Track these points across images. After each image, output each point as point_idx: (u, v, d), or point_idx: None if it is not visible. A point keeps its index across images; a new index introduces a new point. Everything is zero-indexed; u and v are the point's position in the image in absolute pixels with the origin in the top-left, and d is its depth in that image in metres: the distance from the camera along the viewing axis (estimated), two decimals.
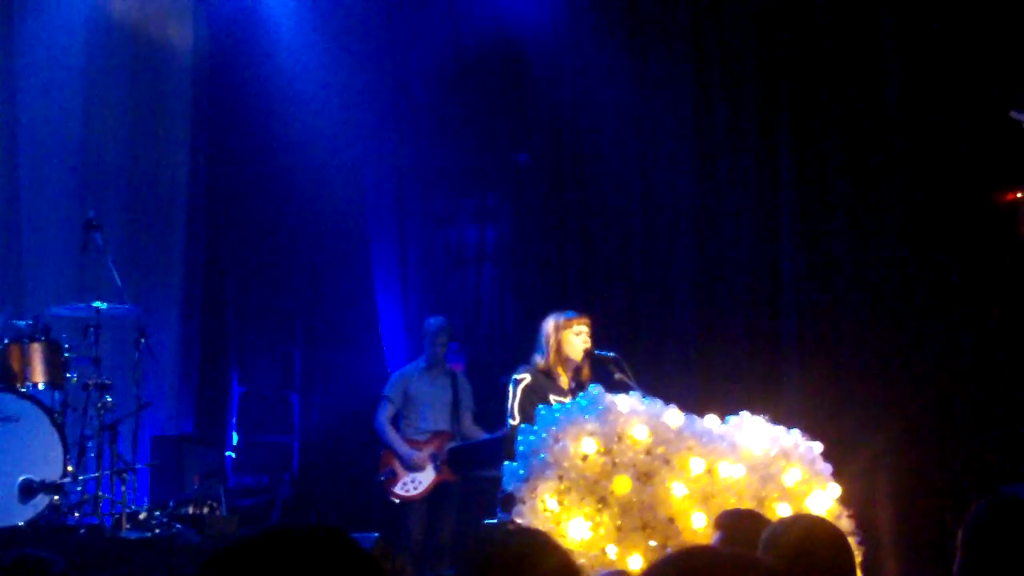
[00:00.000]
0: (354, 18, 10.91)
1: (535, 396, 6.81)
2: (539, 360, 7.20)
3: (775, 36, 9.27)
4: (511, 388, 7.01)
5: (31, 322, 8.18)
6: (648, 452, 6.01)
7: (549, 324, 7.28)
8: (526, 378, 6.99)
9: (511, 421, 6.88)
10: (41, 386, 7.96)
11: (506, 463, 6.22)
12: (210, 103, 11.23)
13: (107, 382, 8.34)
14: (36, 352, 8.00)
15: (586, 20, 10.18)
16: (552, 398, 6.80)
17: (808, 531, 3.54)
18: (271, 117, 11.00)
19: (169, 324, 10.71)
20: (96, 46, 10.54)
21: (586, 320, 7.28)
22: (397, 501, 8.89)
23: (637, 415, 6.10)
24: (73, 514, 7.89)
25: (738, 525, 4.38)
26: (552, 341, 7.20)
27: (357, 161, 10.97)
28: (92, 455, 8.25)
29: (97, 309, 8.38)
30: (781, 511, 6.05)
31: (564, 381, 7.20)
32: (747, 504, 5.88)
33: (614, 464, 5.94)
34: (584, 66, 10.19)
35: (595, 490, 5.88)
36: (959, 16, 8.57)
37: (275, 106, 11.00)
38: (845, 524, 6.13)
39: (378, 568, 1.89)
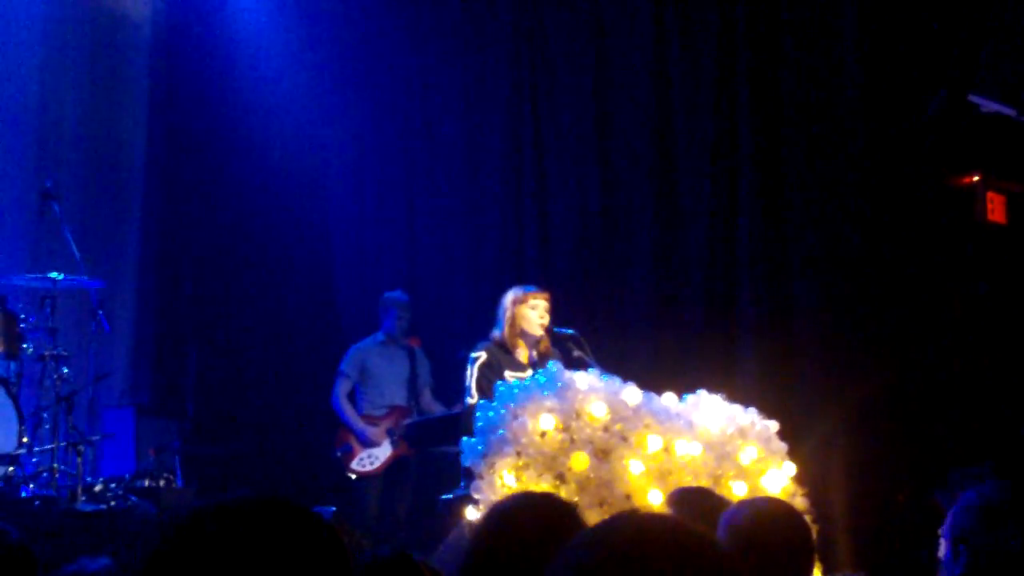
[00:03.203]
0: None
1: (491, 373, 6.89)
2: (496, 334, 7.25)
3: (734, 12, 9.28)
4: (468, 366, 7.07)
5: None
6: (606, 429, 6.03)
7: (507, 298, 7.35)
8: (482, 355, 7.08)
9: (469, 399, 6.94)
10: None
11: (464, 439, 6.22)
12: (168, 75, 11.15)
13: (63, 353, 8.30)
14: None
15: None
16: (508, 374, 6.86)
17: (764, 512, 3.55)
18: (230, 89, 10.96)
19: (125, 295, 10.64)
20: (53, 17, 10.43)
21: (544, 295, 7.33)
22: (354, 476, 8.88)
23: (595, 392, 6.12)
24: (28, 486, 7.84)
25: (689, 502, 4.41)
26: (508, 315, 7.27)
27: (316, 134, 10.92)
28: (47, 427, 8.21)
29: (53, 280, 8.32)
30: (737, 489, 6.10)
31: (523, 355, 7.24)
32: (703, 482, 5.92)
33: (572, 441, 5.95)
34: (543, 36, 10.17)
35: (553, 466, 5.89)
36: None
37: (234, 78, 10.96)
38: (800, 503, 6.17)
39: (337, 537, 1.89)
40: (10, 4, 10.12)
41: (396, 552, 3.10)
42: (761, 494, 6.05)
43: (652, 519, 1.87)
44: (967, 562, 3.32)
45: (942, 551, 3.42)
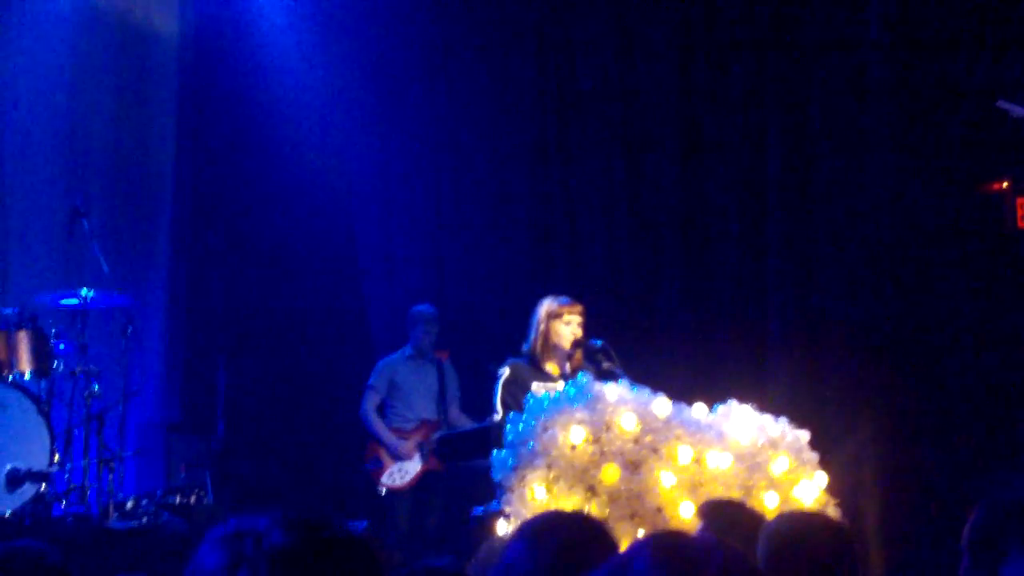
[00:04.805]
0: (340, 7, 10.89)
1: (517, 389, 6.82)
2: (526, 347, 7.19)
3: (762, 22, 9.27)
4: (496, 383, 7.05)
5: (17, 310, 8.14)
6: (636, 441, 6.01)
7: (542, 309, 7.22)
8: (506, 371, 7.03)
9: (495, 416, 6.91)
10: (27, 375, 7.93)
11: (495, 452, 6.20)
12: (196, 91, 11.19)
13: (94, 370, 8.33)
14: (22, 340, 7.96)
15: None
16: (537, 385, 6.80)
17: (806, 526, 3.51)
18: (257, 105, 10.98)
19: (156, 312, 10.68)
20: (82, 33, 10.49)
21: (579, 308, 7.22)
22: (384, 491, 8.88)
23: (625, 404, 6.10)
24: (60, 503, 7.87)
25: (721, 514, 4.40)
26: (542, 327, 7.17)
27: (344, 147, 10.95)
28: (79, 444, 8.23)
29: (83, 297, 8.36)
30: (768, 500, 6.06)
31: (553, 368, 7.18)
32: (735, 493, 5.89)
33: (602, 453, 5.94)
34: (568, 43, 10.18)
35: (583, 479, 5.88)
36: (945, 5, 8.58)
37: (261, 94, 10.98)
38: (832, 513, 6.13)
39: (372, 553, 1.89)
40: (38, 24, 10.19)
41: (445, 561, 3.08)
42: (793, 505, 6.03)
43: (688, 539, 1.86)
44: (967, 570, 3.28)
45: None
